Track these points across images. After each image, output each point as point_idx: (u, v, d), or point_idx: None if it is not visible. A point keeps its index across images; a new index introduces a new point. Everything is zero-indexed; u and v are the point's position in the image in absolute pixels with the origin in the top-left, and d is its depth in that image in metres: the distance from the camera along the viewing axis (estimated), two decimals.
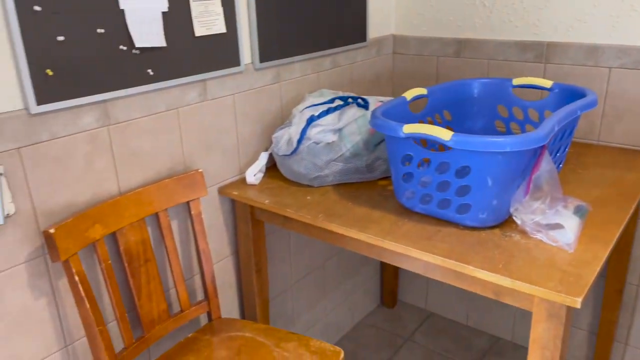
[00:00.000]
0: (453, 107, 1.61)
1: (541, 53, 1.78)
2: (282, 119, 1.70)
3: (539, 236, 1.17)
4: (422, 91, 1.53)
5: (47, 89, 1.08)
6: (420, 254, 1.16)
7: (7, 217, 1.07)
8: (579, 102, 1.31)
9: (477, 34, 1.91)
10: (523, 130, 1.60)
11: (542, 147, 1.19)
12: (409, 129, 1.18)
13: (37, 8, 1.03)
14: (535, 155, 1.18)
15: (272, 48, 1.59)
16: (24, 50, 1.03)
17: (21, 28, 1.02)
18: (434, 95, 1.55)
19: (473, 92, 1.65)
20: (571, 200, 1.23)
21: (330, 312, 2.16)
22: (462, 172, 1.16)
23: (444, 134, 1.13)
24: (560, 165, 1.47)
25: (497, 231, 1.22)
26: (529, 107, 1.57)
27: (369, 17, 1.95)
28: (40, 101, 1.07)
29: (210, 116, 1.46)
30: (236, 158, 1.58)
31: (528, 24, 1.79)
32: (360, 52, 1.96)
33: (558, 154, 1.41)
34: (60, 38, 1.08)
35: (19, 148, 1.07)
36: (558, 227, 1.16)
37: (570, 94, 1.45)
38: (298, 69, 1.71)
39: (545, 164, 1.21)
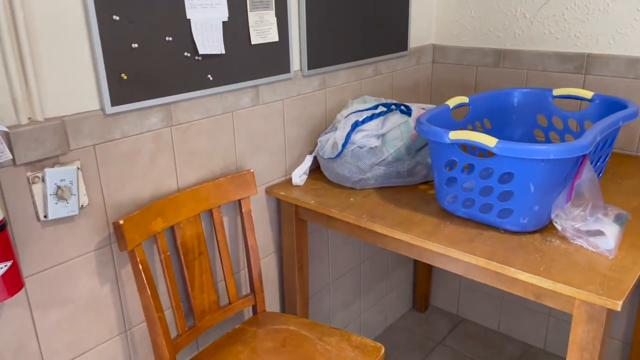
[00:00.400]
0: (493, 116, 1.66)
1: (581, 64, 1.81)
2: (327, 124, 1.77)
3: (579, 242, 1.20)
4: (464, 99, 1.58)
5: (120, 92, 1.17)
6: (462, 255, 1.21)
7: (81, 208, 1.16)
8: (620, 113, 1.34)
9: (516, 44, 1.95)
10: (562, 140, 1.63)
11: (584, 156, 1.23)
12: (455, 135, 1.24)
13: (115, 17, 1.13)
14: (577, 163, 1.23)
15: (319, 56, 1.66)
16: (103, 55, 1.13)
17: (101, 35, 1.11)
18: (475, 103, 1.60)
19: (513, 101, 1.69)
20: (611, 209, 1.27)
21: (364, 312, 2.21)
22: (505, 178, 1.21)
23: (489, 141, 1.18)
24: (600, 175, 1.50)
25: (537, 236, 1.26)
26: (569, 117, 1.61)
27: (410, 28, 2.01)
28: (114, 102, 1.17)
29: (261, 119, 1.54)
30: (283, 160, 1.66)
31: (569, 35, 1.82)
32: (401, 61, 2.03)
33: (598, 164, 1.44)
34: (135, 45, 1.17)
35: (94, 145, 1.17)
36: (599, 233, 1.20)
37: (610, 105, 1.49)
38: (342, 76, 1.78)
39: (587, 172, 1.25)
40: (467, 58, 2.09)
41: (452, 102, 1.55)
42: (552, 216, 1.25)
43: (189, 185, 1.39)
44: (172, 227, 1.33)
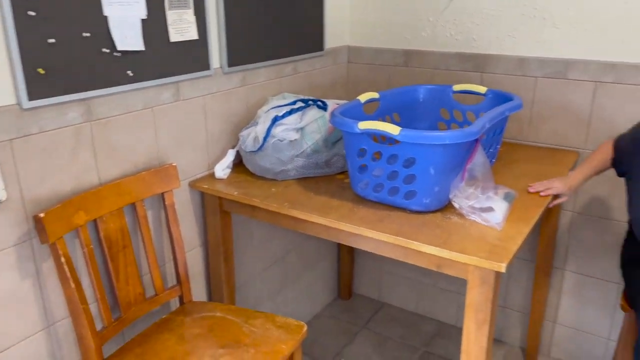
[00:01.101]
0: (402, 110, 1.81)
1: (478, 64, 2.01)
2: (248, 120, 1.84)
3: (473, 217, 1.36)
4: (375, 95, 1.71)
5: (38, 86, 1.19)
6: (373, 234, 1.33)
7: None
8: (507, 105, 1.53)
9: (423, 45, 2.13)
10: None
11: (476, 142, 1.39)
12: (364, 125, 1.36)
13: (31, 13, 1.14)
14: (470, 148, 1.39)
15: (239, 54, 1.73)
16: (19, 50, 1.14)
17: (17, 30, 1.12)
18: (385, 99, 1.74)
19: (419, 96, 1.86)
20: (501, 188, 1.44)
21: (290, 302, 2.30)
22: (409, 163, 1.35)
23: (393, 129, 1.31)
24: (493, 160, 1.69)
25: (438, 214, 1.41)
26: (467, 110, 1.79)
27: (326, 29, 2.13)
28: (31, 97, 1.18)
29: (182, 115, 1.59)
30: (206, 154, 1.71)
31: (467, 38, 2.02)
32: (318, 61, 2.14)
33: (491, 150, 1.63)
34: (51, 40, 1.19)
35: (11, 140, 1.17)
36: (489, 210, 1.36)
37: (501, 99, 1.68)
38: (262, 74, 1.87)
39: (479, 157, 1.42)
40: (380, 58, 2.24)
41: (363, 97, 1.67)
42: (451, 196, 1.40)
43: (111, 180, 1.41)
44: (94, 221, 1.35)
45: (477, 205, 1.37)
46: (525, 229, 1.31)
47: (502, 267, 1.16)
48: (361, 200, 1.51)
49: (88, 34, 1.27)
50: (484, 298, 1.23)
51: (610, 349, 2.04)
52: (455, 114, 1.83)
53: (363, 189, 1.49)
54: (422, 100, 1.86)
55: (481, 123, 1.35)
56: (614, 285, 1.96)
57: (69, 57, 1.24)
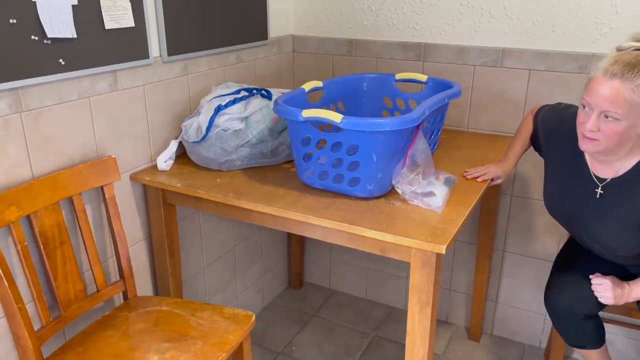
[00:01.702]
0: (346, 99, 1.83)
1: (420, 53, 2.06)
2: (191, 110, 1.81)
3: (415, 202, 1.40)
4: (319, 84, 1.72)
5: None
6: (319, 221, 1.34)
7: None
8: (447, 92, 1.57)
9: (366, 35, 2.15)
10: None
11: (417, 128, 1.42)
12: (307, 113, 1.36)
13: None
14: (410, 135, 1.42)
15: (179, 42, 1.69)
16: None
17: None
18: (329, 87, 1.75)
19: (363, 85, 1.88)
20: (442, 174, 1.48)
21: (240, 294, 2.29)
22: (352, 150, 1.37)
23: (336, 117, 1.32)
24: (435, 147, 1.73)
25: (382, 200, 1.43)
26: (410, 98, 1.83)
27: (270, 18, 2.11)
28: None
29: (121, 106, 1.54)
30: (147, 146, 1.67)
31: (409, 27, 2.05)
32: (262, 50, 2.12)
33: (432, 137, 1.67)
34: None
35: None
36: (430, 194, 1.40)
37: (441, 87, 1.72)
38: (205, 63, 1.83)
39: (420, 143, 1.45)
40: (324, 47, 2.25)
41: (307, 86, 1.68)
42: (393, 182, 1.43)
43: (45, 173, 1.35)
44: (28, 217, 1.29)
45: (419, 191, 1.40)
46: (464, 211, 1.36)
47: (442, 249, 1.19)
48: (307, 188, 1.51)
49: (14, 20, 1.20)
50: (426, 280, 1.27)
51: (548, 322, 2.16)
52: (398, 102, 1.86)
53: (309, 177, 1.49)
54: (365, 89, 1.88)
55: (421, 110, 1.38)
56: (550, 263, 2.06)
57: None
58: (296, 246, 2.54)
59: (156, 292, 1.80)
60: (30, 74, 1.26)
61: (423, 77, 1.79)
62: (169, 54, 1.67)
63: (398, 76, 1.84)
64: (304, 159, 1.47)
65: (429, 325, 1.30)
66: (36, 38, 1.26)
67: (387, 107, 1.87)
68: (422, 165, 1.45)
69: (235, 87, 1.81)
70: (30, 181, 1.30)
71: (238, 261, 2.23)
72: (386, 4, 2.06)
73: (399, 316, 2.43)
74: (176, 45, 1.69)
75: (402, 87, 1.86)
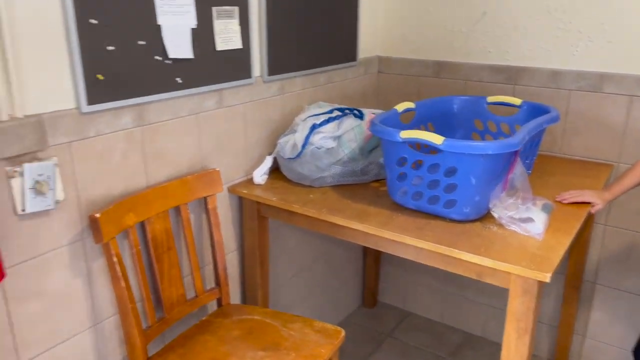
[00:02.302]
0: (436, 120, 1.84)
1: (511, 76, 2.03)
2: (284, 127, 1.88)
3: (513, 227, 1.38)
4: (411, 105, 1.74)
5: (96, 91, 1.23)
6: (413, 241, 1.35)
7: (57, 203, 1.21)
8: (545, 117, 1.55)
9: (454, 57, 2.16)
10: None
11: (516, 153, 1.41)
12: (406, 134, 1.39)
13: (92, 21, 1.19)
14: (510, 159, 1.41)
15: (278, 64, 1.78)
16: (80, 57, 1.19)
17: (79, 37, 1.17)
18: (421, 109, 1.77)
19: (453, 107, 1.88)
20: (539, 199, 1.46)
21: (316, 309, 2.32)
22: (450, 172, 1.37)
23: (436, 139, 1.34)
24: (529, 171, 1.70)
25: (478, 224, 1.42)
26: (501, 121, 1.81)
27: (359, 40, 2.17)
28: (90, 102, 1.23)
29: (224, 122, 1.63)
30: (244, 160, 1.75)
31: (500, 50, 2.04)
32: (350, 71, 2.18)
33: (527, 161, 1.64)
34: (110, 48, 1.24)
35: (70, 142, 1.22)
36: (529, 220, 1.38)
37: (536, 111, 1.70)
38: (299, 83, 1.91)
39: (518, 168, 1.44)
40: (410, 69, 2.27)
41: (400, 107, 1.70)
42: (490, 206, 1.42)
43: (157, 183, 1.46)
44: (142, 222, 1.39)
45: (517, 216, 1.39)
46: (565, 240, 1.32)
47: (547, 277, 1.17)
48: (398, 207, 1.53)
49: (143, 42, 1.31)
50: (526, 307, 1.25)
51: None
52: (489, 125, 1.85)
53: (401, 197, 1.51)
54: (456, 110, 1.88)
55: (522, 134, 1.37)
56: None
57: (125, 64, 1.28)
58: (372, 265, 2.55)
59: (244, 300, 1.87)
60: (152, 91, 1.37)
61: (517, 101, 1.77)
62: (269, 74, 1.75)
63: (490, 99, 1.83)
64: (397, 178, 1.49)
65: (527, 354, 1.27)
66: (159, 58, 1.36)
67: (478, 129, 1.86)
68: (520, 190, 1.43)
69: (327, 107, 1.86)
70: (145, 189, 1.40)
71: (316, 276, 2.27)
72: (477, 26, 2.06)
73: (476, 343, 2.37)
74: (275, 66, 1.77)
75: (493, 110, 1.85)
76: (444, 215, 1.45)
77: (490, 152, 1.30)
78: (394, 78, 2.33)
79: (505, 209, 1.40)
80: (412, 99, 2.25)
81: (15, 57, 1.08)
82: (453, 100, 1.88)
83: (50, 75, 1.16)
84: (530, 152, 1.64)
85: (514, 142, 1.32)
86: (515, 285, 1.25)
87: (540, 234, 1.34)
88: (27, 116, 1.12)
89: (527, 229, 1.36)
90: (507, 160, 1.39)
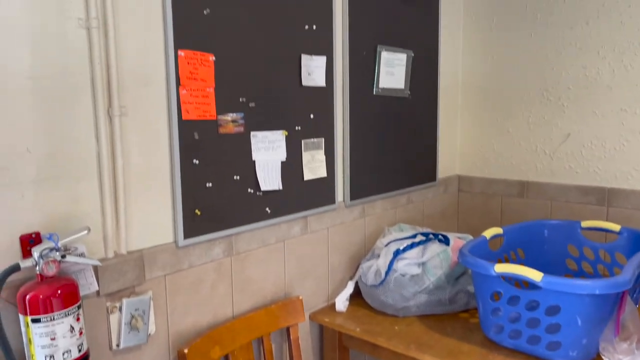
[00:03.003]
0: (526, 246, 1.75)
1: (603, 197, 1.94)
2: (365, 250, 1.86)
3: None
4: (499, 231, 1.68)
5: (193, 226, 1.29)
6: None
7: (149, 336, 1.22)
8: None
9: (539, 177, 2.10)
10: (595, 270, 1.70)
11: (625, 291, 1.29)
12: (501, 268, 1.32)
13: (195, 161, 1.27)
14: (618, 297, 1.29)
15: (359, 188, 1.80)
16: (182, 194, 1.25)
17: (182, 177, 1.25)
18: (509, 234, 1.70)
19: (544, 232, 1.79)
20: None
21: None
22: (552, 311, 1.27)
23: (535, 275, 1.26)
24: (637, 305, 1.55)
25: None
26: (599, 248, 1.69)
27: (439, 160, 2.18)
28: (186, 236, 1.27)
29: (308, 247, 1.64)
30: (326, 285, 1.72)
31: (588, 171, 1.97)
32: (430, 190, 2.17)
33: (635, 295, 1.50)
34: (209, 184, 1.31)
35: (165, 275, 1.25)
36: None
37: (638, 238, 1.58)
38: (379, 206, 1.91)
39: (628, 306, 1.31)
40: (492, 188, 2.23)
41: (488, 234, 1.64)
42: (600, 350, 1.28)
43: (242, 312, 1.45)
44: (226, 356, 1.37)
45: None
46: None
47: None
48: (494, 345, 1.42)
49: (238, 177, 1.38)
50: None
51: None
52: (586, 251, 1.73)
53: (496, 333, 1.41)
54: (547, 235, 1.79)
55: (630, 271, 1.26)
56: None
57: (220, 198, 1.34)
58: None
59: None
60: (243, 222, 1.41)
61: (615, 227, 1.66)
62: (351, 199, 1.77)
63: (584, 224, 1.73)
64: (491, 313, 1.40)
65: None
66: (252, 191, 1.42)
67: (573, 255, 1.75)
68: (633, 331, 1.29)
69: (409, 230, 1.84)
70: (231, 320, 1.39)
71: None
72: (562, 147, 2.02)
73: None
74: (357, 190, 1.79)
75: (589, 236, 1.74)
76: (547, 358, 1.32)
77: (598, 292, 1.20)
78: (475, 197, 2.29)
79: (619, 354, 1.26)
80: (494, 219, 2.19)
81: (126, 199, 1.15)
82: (543, 225, 1.79)
83: (153, 213, 1.22)
84: (637, 285, 1.50)
85: (624, 280, 1.22)
86: None
87: None
88: (129, 252, 1.17)
89: None
90: (615, 299, 1.27)
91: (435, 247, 1.69)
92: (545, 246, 1.79)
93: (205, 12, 1.26)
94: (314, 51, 1.56)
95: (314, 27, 1.55)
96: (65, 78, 1.05)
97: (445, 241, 1.73)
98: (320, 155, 1.63)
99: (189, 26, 1.23)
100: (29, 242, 1.01)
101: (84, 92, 1.08)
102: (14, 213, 1.00)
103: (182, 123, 1.24)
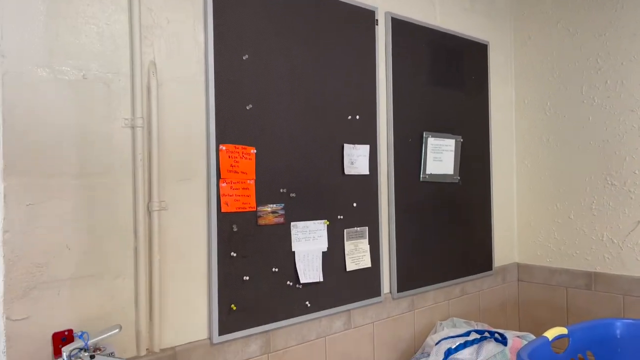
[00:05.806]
0: (596, 347, 1.56)
1: None
2: (415, 347, 1.73)
3: None
4: (563, 331, 1.51)
5: (228, 321, 1.24)
6: None
7: None
8: None
9: (608, 268, 1.92)
10: None
11: None
12: None
13: (233, 254, 1.26)
14: None
15: (408, 279, 1.71)
16: (218, 288, 1.23)
17: (218, 271, 1.23)
18: (575, 334, 1.53)
19: (616, 332, 1.60)
20: None
21: None
22: None
23: None
24: None
25: None
26: None
27: (494, 247, 2.06)
28: (221, 332, 1.23)
29: (352, 344, 1.54)
30: None
31: None
32: (486, 280, 2.03)
33: None
34: (246, 277, 1.28)
35: None
36: None
37: None
38: (431, 298, 1.79)
39: None
40: (556, 279, 2.06)
41: (550, 334, 1.48)
42: None
43: None
44: None
45: None
46: None
47: None
48: None
49: (276, 269, 1.34)
50: None
51: None
52: None
53: None
54: (619, 336, 1.60)
55: None
56: None
57: (258, 292, 1.30)
58: None
59: None
60: (281, 317, 1.35)
61: None
62: (398, 291, 1.68)
63: None
64: None
65: None
66: (290, 283, 1.37)
67: None
68: None
69: (462, 325, 1.70)
70: None
71: None
72: (631, 236, 1.86)
73: None
74: (405, 281, 1.70)
75: None
76: None
77: None
78: (537, 288, 2.12)
79: None
80: (560, 313, 2.00)
81: (161, 294, 1.14)
82: (615, 323, 1.61)
83: (188, 309, 1.20)
84: None
85: None
86: None
87: None
88: (162, 350, 1.14)
89: None
90: None
91: (491, 347, 1.55)
92: (618, 348, 1.59)
93: (247, 107, 1.29)
94: (357, 140, 1.55)
95: (357, 116, 1.56)
96: (108, 175, 1.08)
97: (503, 341, 1.58)
98: (364, 245, 1.57)
99: (231, 121, 1.26)
100: (61, 339, 1.00)
101: (125, 188, 1.11)
102: (49, 310, 1.00)
103: (221, 216, 1.24)
